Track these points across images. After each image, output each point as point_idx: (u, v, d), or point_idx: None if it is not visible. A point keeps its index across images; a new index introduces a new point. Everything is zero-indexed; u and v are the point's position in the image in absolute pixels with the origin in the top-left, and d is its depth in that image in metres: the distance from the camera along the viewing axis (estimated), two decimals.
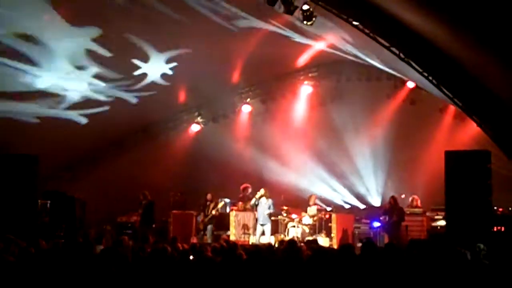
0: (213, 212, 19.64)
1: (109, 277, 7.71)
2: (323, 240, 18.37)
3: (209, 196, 19.83)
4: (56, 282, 7.85)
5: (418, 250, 9.14)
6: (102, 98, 18.91)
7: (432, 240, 16.98)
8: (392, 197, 18.79)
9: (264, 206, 18.83)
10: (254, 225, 19.22)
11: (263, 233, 18.77)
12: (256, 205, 18.90)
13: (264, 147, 21.93)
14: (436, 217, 19.18)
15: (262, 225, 18.82)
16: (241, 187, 20.00)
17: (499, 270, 8.40)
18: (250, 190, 19.73)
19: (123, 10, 15.19)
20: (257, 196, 18.90)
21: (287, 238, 18.60)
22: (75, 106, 18.64)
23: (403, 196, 19.73)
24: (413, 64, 15.49)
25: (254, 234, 19.10)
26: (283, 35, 17.72)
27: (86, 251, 9.11)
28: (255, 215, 19.15)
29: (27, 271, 8.18)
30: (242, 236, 19.29)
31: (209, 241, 18.92)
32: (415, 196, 19.71)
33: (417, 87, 20.45)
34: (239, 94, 22.64)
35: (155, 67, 18.37)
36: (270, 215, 18.86)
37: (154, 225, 19.37)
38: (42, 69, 16.54)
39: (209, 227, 19.72)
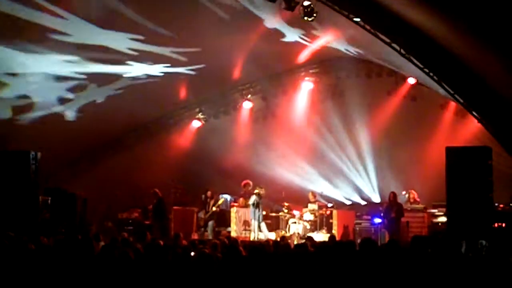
0: (214, 208, 19.71)
1: (110, 274, 7.72)
2: (324, 237, 18.39)
3: (209, 193, 19.92)
4: (57, 278, 7.85)
5: (422, 246, 9.12)
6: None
7: (434, 236, 16.98)
8: (392, 193, 18.80)
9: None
10: None
11: (260, 230, 18.86)
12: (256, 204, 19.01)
13: (265, 143, 21.95)
14: (437, 213, 19.19)
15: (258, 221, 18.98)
16: (242, 184, 20.06)
17: (499, 266, 8.41)
18: (251, 186, 19.78)
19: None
20: (256, 192, 19.04)
21: (288, 234, 18.69)
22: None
23: (404, 192, 19.71)
24: (414, 61, 15.49)
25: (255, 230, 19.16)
26: (283, 31, 17.72)
27: (87, 247, 9.11)
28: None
29: (28, 267, 8.19)
30: (243, 232, 19.32)
31: (210, 237, 18.96)
32: (412, 191, 19.76)
33: (418, 83, 20.45)
34: (240, 90, 22.64)
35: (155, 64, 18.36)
36: (253, 204, 18.91)
37: (164, 221, 19.55)
38: None
39: (210, 223, 19.78)
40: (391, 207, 18.40)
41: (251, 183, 19.95)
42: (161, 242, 10.06)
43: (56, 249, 9.68)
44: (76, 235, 11.02)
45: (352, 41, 18.20)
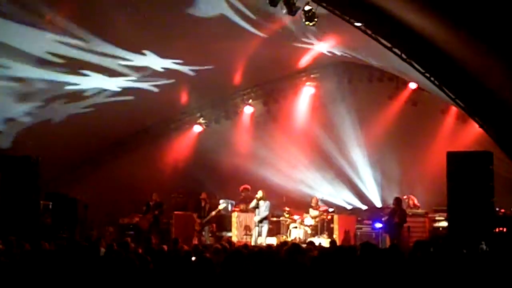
0: (213, 213, 19.69)
1: (112, 279, 7.71)
2: (325, 242, 18.37)
3: (203, 195, 19.89)
4: (58, 283, 7.85)
5: (424, 251, 9.12)
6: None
7: (436, 241, 16.98)
8: (396, 198, 18.72)
9: (261, 208, 18.86)
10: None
11: (259, 234, 18.81)
12: (256, 208, 18.93)
13: (266, 148, 21.92)
14: (438, 218, 19.19)
15: (258, 225, 18.88)
16: (241, 188, 20.04)
17: (501, 271, 8.40)
18: (250, 191, 19.78)
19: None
20: (258, 196, 18.96)
21: (289, 239, 18.67)
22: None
23: (404, 197, 19.71)
24: (415, 65, 15.49)
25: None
26: (284, 36, 17.73)
27: (89, 253, 9.12)
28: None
29: (30, 272, 8.19)
30: (244, 237, 19.30)
31: (208, 242, 18.95)
32: (411, 196, 19.77)
33: (419, 88, 20.46)
34: (241, 95, 22.65)
35: (157, 67, 18.35)
36: (264, 218, 18.85)
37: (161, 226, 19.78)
38: None
39: (206, 228, 19.75)
40: (395, 212, 18.32)
41: (249, 187, 19.94)
42: (165, 248, 10.10)
43: (58, 254, 9.67)
44: (79, 240, 11.05)
45: (352, 45, 18.21)
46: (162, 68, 18.31)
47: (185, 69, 18.62)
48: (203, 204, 19.91)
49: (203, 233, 19.71)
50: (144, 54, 17.36)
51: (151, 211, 19.84)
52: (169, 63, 18.19)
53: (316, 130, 22.03)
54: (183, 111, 22.78)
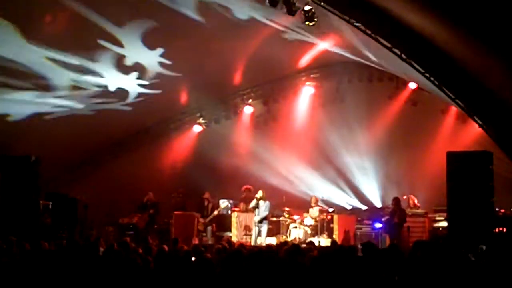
0: (215, 212, 19.73)
1: (111, 279, 7.72)
2: (325, 242, 18.38)
3: (206, 195, 19.93)
4: (58, 283, 7.85)
5: (423, 251, 9.12)
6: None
7: (436, 241, 16.98)
8: (395, 198, 18.73)
9: (261, 208, 18.84)
10: None
11: (259, 234, 18.81)
12: (256, 207, 18.92)
13: (266, 148, 21.92)
14: (438, 218, 19.18)
15: (258, 225, 18.87)
16: (243, 188, 20.02)
17: (500, 272, 8.40)
18: (251, 191, 19.77)
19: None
20: (258, 196, 18.93)
21: (289, 239, 18.67)
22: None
23: (404, 197, 19.71)
24: (415, 65, 15.49)
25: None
26: (284, 36, 17.73)
27: (89, 252, 9.12)
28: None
29: (29, 272, 8.19)
30: (244, 237, 19.29)
31: (209, 242, 18.96)
32: (411, 196, 19.77)
33: (419, 88, 20.46)
34: (241, 95, 22.65)
35: (156, 67, 18.35)
36: (264, 218, 18.83)
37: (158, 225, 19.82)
38: None
39: (209, 228, 19.77)
40: (394, 212, 18.32)
41: (251, 188, 19.93)
42: (166, 247, 10.09)
43: (58, 254, 9.69)
44: (78, 239, 11.04)
45: (351, 45, 18.22)
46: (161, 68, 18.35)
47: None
48: (206, 203, 19.94)
49: (204, 233, 19.72)
50: (144, 53, 17.39)
51: (147, 210, 19.89)
52: (166, 64, 18.22)
53: (316, 130, 22.03)
54: (183, 111, 22.78)
